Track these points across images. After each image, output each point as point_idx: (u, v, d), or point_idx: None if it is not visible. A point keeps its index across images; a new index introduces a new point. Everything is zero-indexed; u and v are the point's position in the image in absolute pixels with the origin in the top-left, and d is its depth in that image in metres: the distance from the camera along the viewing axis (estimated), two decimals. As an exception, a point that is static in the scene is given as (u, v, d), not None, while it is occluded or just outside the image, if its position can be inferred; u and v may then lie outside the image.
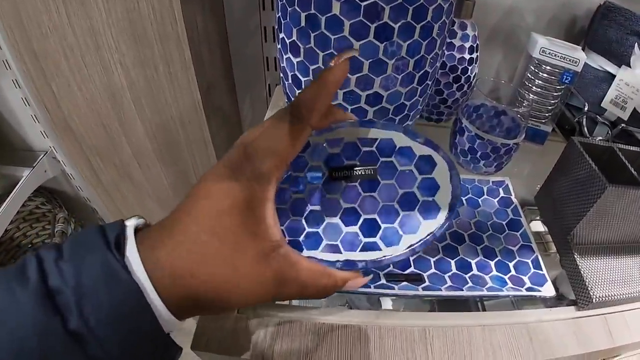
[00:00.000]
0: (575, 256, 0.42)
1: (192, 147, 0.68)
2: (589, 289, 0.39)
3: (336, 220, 0.28)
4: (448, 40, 0.50)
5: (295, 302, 0.49)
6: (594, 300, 0.38)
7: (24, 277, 0.18)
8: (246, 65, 0.73)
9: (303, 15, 0.36)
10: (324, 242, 0.27)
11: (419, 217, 0.27)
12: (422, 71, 0.39)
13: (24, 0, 0.53)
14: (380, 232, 0.27)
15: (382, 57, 0.36)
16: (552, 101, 0.58)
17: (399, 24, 0.35)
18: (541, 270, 0.39)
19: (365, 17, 0.34)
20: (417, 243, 0.26)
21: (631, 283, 0.41)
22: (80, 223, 1.01)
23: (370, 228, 0.28)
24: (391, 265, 0.37)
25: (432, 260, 0.38)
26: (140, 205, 0.84)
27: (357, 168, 0.29)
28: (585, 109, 0.59)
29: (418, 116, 0.47)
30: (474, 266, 0.39)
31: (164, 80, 0.58)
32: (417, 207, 0.28)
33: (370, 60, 0.37)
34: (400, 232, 0.27)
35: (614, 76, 0.60)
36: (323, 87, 0.24)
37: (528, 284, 0.38)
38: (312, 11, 0.36)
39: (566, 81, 0.56)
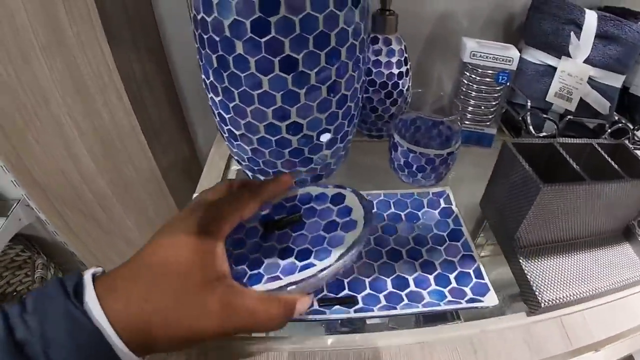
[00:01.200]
0: (521, 260, 0.41)
1: (147, 188, 0.69)
2: (537, 293, 0.38)
3: (273, 259, 0.33)
4: (374, 57, 0.51)
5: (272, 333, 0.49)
6: (542, 304, 0.37)
7: None
8: (196, 99, 0.74)
9: (214, 57, 0.38)
10: (265, 277, 0.31)
11: (342, 232, 0.33)
12: (338, 95, 0.40)
13: None
14: (313, 254, 0.32)
15: (292, 88, 0.37)
16: (493, 103, 0.58)
17: (302, 54, 0.36)
18: (483, 279, 0.38)
19: (268, 52, 0.35)
20: (346, 252, 0.30)
21: (585, 281, 0.40)
22: (61, 267, 1.02)
23: (304, 254, 0.32)
24: (324, 290, 0.37)
25: (367, 280, 0.38)
26: (110, 247, 0.85)
27: (285, 218, 0.36)
28: (528, 105, 0.59)
29: (350, 138, 0.47)
30: (411, 282, 0.39)
31: (111, 127, 0.60)
32: (339, 227, 0.34)
33: (281, 92, 0.38)
34: (329, 248, 0.32)
35: (555, 69, 0.60)
36: (268, 190, 0.34)
37: (470, 295, 0.37)
38: (220, 52, 0.37)
39: (502, 81, 0.56)
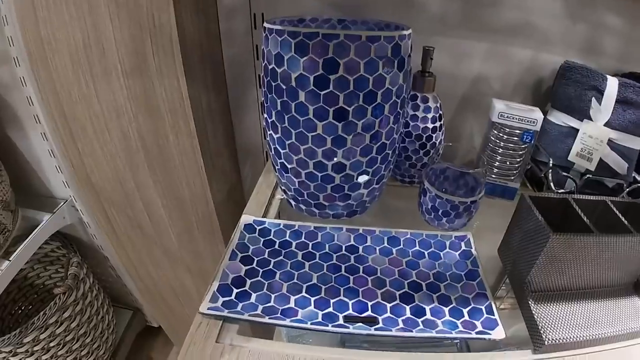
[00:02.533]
0: (530, 302, 0.44)
1: (196, 205, 0.76)
2: (542, 332, 0.40)
3: None
4: (412, 112, 0.57)
5: (276, 336, 0.54)
6: (546, 342, 0.39)
7: None
8: (247, 134, 0.82)
9: (279, 101, 0.45)
10: None
11: None
12: (379, 143, 0.47)
13: (58, 72, 0.63)
14: None
15: (341, 133, 0.44)
16: (518, 159, 0.63)
17: (352, 107, 0.43)
18: (493, 315, 0.42)
19: (325, 103, 0.42)
20: None
21: (591, 326, 0.42)
22: (92, 269, 1.07)
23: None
24: (350, 309, 0.42)
25: (389, 305, 0.43)
26: (148, 254, 0.92)
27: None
28: (550, 163, 0.64)
29: (385, 181, 0.53)
30: (427, 311, 0.43)
31: (173, 147, 0.68)
32: None
33: (332, 136, 0.44)
34: None
35: (577, 130, 0.64)
36: None
37: (479, 328, 0.41)
38: (285, 98, 0.44)
39: (527, 140, 0.61)
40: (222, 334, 0.40)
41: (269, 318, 0.40)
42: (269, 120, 0.48)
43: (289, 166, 0.49)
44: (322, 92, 0.42)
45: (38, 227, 0.88)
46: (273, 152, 0.50)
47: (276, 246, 0.50)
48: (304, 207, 0.53)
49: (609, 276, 0.47)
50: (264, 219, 0.53)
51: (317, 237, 0.51)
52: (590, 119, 0.63)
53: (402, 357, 0.39)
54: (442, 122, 0.60)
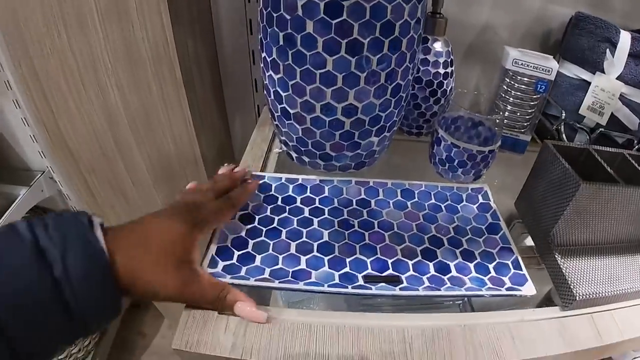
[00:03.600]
0: (556, 256, 0.42)
1: (184, 164, 0.70)
2: (572, 287, 0.39)
3: None
4: (423, 56, 0.53)
5: (272, 303, 0.50)
6: (577, 297, 0.38)
7: (19, 237, 0.25)
8: (236, 86, 0.76)
9: (281, 34, 0.39)
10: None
11: None
12: (394, 83, 0.42)
13: (27, 23, 0.56)
14: None
15: (354, 70, 0.39)
16: (530, 111, 0.60)
17: (368, 39, 0.38)
18: (521, 270, 0.40)
19: (337, 34, 0.37)
20: None
21: (616, 282, 0.41)
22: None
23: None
24: (369, 268, 0.38)
25: (410, 263, 0.40)
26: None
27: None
28: (563, 116, 0.61)
29: (395, 128, 0.49)
30: (452, 268, 0.40)
31: (157, 100, 0.61)
32: None
33: (344, 74, 0.39)
34: None
35: (589, 83, 0.62)
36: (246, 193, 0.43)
37: (508, 284, 0.38)
38: (289, 30, 0.39)
39: (541, 90, 0.58)
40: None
41: (280, 282, 0.36)
42: (268, 59, 0.43)
43: (291, 111, 0.44)
44: (334, 21, 0.37)
45: (15, 203, 0.82)
46: (272, 97, 0.45)
47: (279, 202, 0.46)
48: (307, 159, 0.49)
49: (629, 231, 0.45)
50: (262, 174, 0.48)
51: (324, 191, 0.47)
52: (602, 71, 0.61)
53: (425, 318, 0.36)
54: (453, 68, 0.55)
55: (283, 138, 0.49)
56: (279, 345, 0.32)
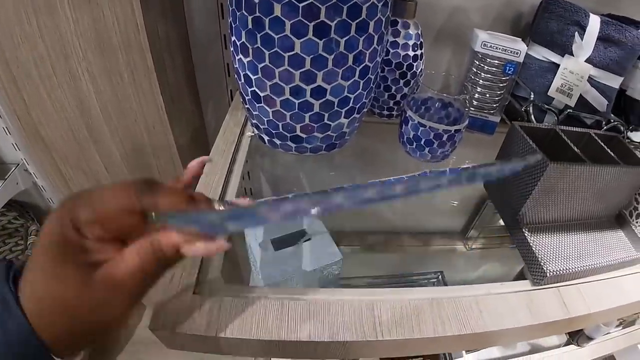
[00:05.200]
0: (526, 234, 0.44)
1: (157, 152, 0.70)
2: (542, 264, 0.40)
3: None
4: (392, 38, 0.54)
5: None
6: (547, 274, 0.39)
7: None
8: (208, 72, 0.75)
9: (249, 18, 0.40)
10: None
11: None
12: (362, 65, 0.43)
13: None
14: None
15: (322, 52, 0.40)
16: (499, 92, 0.62)
17: (335, 21, 0.38)
18: None
19: (304, 16, 0.38)
20: None
21: (584, 257, 0.43)
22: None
23: None
24: None
25: None
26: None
27: None
28: (531, 97, 0.63)
29: (365, 110, 0.50)
30: None
31: (129, 87, 0.61)
32: None
33: (312, 56, 0.40)
34: None
35: (558, 66, 0.64)
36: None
37: None
38: (257, 14, 0.39)
39: (509, 72, 0.59)
40: (200, 285, 0.36)
41: None
42: (238, 43, 0.43)
43: (261, 94, 0.44)
44: (301, 4, 0.37)
45: (-10, 198, 0.80)
46: (243, 80, 0.46)
47: None
48: (278, 142, 0.50)
49: (595, 208, 0.47)
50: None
51: None
52: (571, 54, 0.63)
53: (394, 292, 0.37)
54: (422, 51, 0.56)
55: (254, 121, 0.50)
56: (252, 320, 0.33)
